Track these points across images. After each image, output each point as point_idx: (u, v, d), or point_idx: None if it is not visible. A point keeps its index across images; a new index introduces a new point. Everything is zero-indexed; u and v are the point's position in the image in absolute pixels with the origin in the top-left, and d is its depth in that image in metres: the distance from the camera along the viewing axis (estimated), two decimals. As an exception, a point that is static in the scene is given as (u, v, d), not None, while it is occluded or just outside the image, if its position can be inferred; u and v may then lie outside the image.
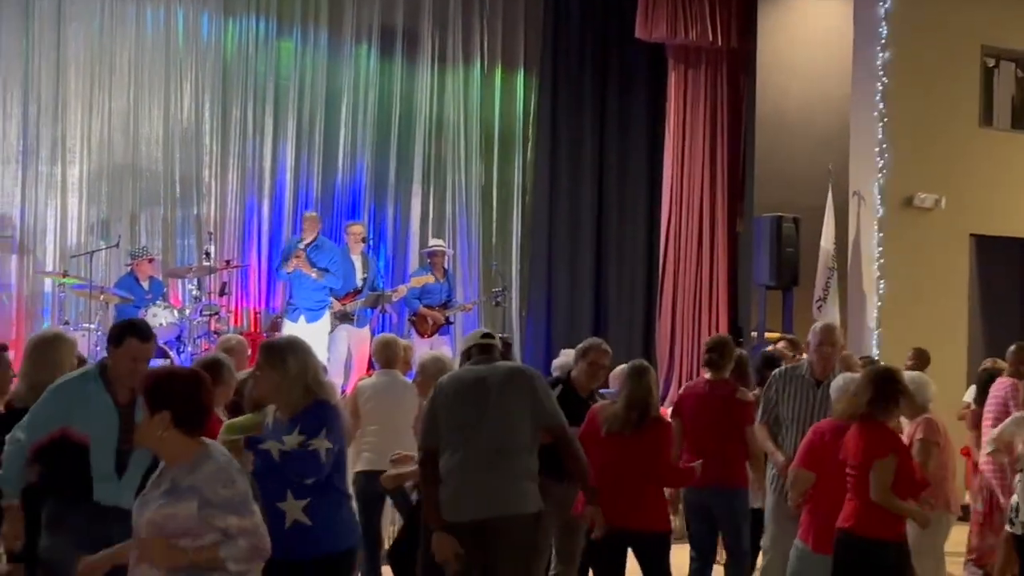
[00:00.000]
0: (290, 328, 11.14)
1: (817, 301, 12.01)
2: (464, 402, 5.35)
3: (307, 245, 11.59)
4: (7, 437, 4.97)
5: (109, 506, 4.81)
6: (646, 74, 14.66)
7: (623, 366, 6.53)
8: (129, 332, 5.01)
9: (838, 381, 6.10)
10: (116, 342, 4.98)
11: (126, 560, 3.85)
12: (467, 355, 5.62)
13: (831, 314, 11.73)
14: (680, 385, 11.92)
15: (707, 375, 7.01)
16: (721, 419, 6.82)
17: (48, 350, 5.50)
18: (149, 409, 3.78)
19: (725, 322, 13.84)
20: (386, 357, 7.58)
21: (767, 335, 11.74)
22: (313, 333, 10.95)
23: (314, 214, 12.15)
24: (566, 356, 7.90)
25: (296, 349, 4.78)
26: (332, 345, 11.56)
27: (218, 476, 3.73)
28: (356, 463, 7.12)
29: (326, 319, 11.51)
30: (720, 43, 13.69)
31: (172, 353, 10.84)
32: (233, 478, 3.77)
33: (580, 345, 6.61)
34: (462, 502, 5.23)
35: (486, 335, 5.68)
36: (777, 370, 6.92)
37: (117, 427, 4.91)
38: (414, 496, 6.38)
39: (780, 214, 12.12)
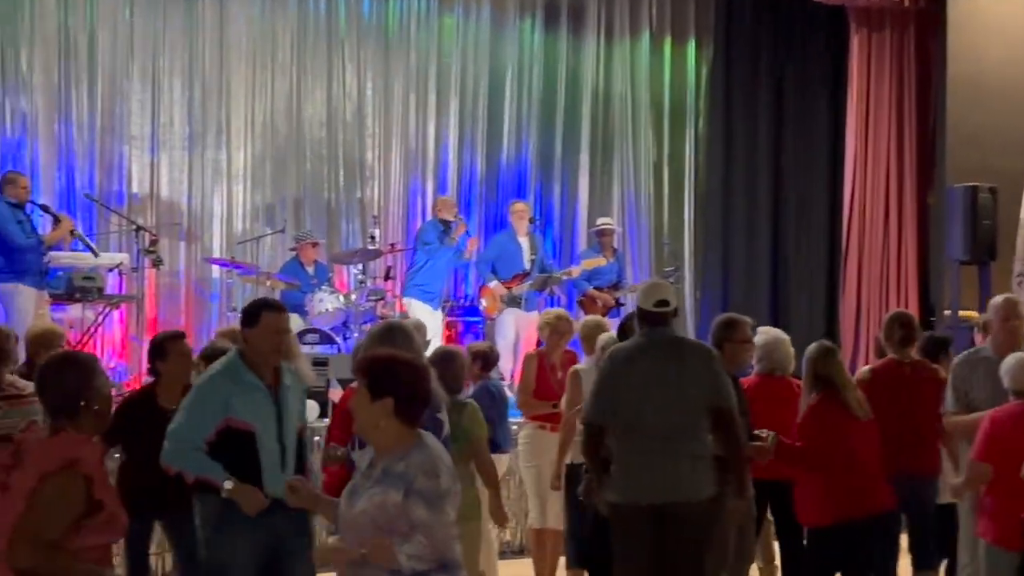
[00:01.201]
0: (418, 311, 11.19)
1: (1017, 276, 11.47)
2: (640, 378, 5.21)
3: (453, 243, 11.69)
4: (166, 445, 5.02)
5: (276, 497, 4.79)
6: (826, 40, 14.23)
7: (811, 346, 6.23)
8: (262, 308, 5.13)
9: (1006, 365, 5.69)
10: (252, 321, 5.07)
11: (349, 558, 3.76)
12: (642, 320, 5.42)
13: (1034, 290, 11.21)
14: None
15: (895, 355, 6.67)
16: (914, 401, 6.50)
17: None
18: (370, 393, 3.74)
19: (915, 300, 13.38)
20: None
21: (961, 314, 11.30)
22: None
23: (450, 198, 12.21)
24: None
25: None
26: (499, 329, 11.59)
27: (424, 465, 3.68)
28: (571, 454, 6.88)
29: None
30: (907, 3, 13.21)
31: (338, 339, 11.03)
32: (438, 471, 3.70)
33: (718, 320, 6.22)
34: (638, 485, 5.12)
35: (661, 301, 5.40)
36: (958, 357, 6.53)
37: (273, 410, 4.98)
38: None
39: (975, 184, 11.63)
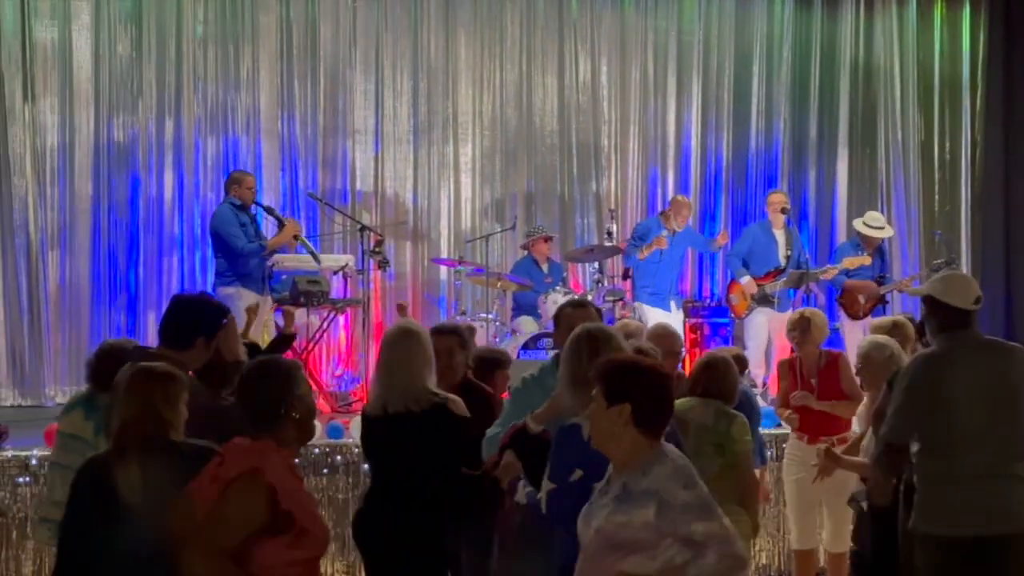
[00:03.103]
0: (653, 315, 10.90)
1: None
2: (963, 391, 4.78)
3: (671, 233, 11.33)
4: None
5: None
6: (1124, -3, 13.37)
7: None
8: (564, 305, 5.54)
9: None
10: (556, 323, 5.44)
11: None
12: (951, 321, 4.94)
13: None
14: None
15: None
16: None
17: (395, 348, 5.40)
18: (605, 399, 3.73)
19: None
20: None
21: None
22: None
23: (685, 198, 11.85)
24: None
25: None
26: (750, 330, 11.21)
27: (676, 476, 3.63)
28: None
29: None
30: None
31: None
32: (694, 479, 3.68)
33: None
34: (964, 514, 4.72)
35: (979, 298, 4.95)
36: None
37: None
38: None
39: None
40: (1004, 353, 4.95)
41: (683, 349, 7.40)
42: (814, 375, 7.34)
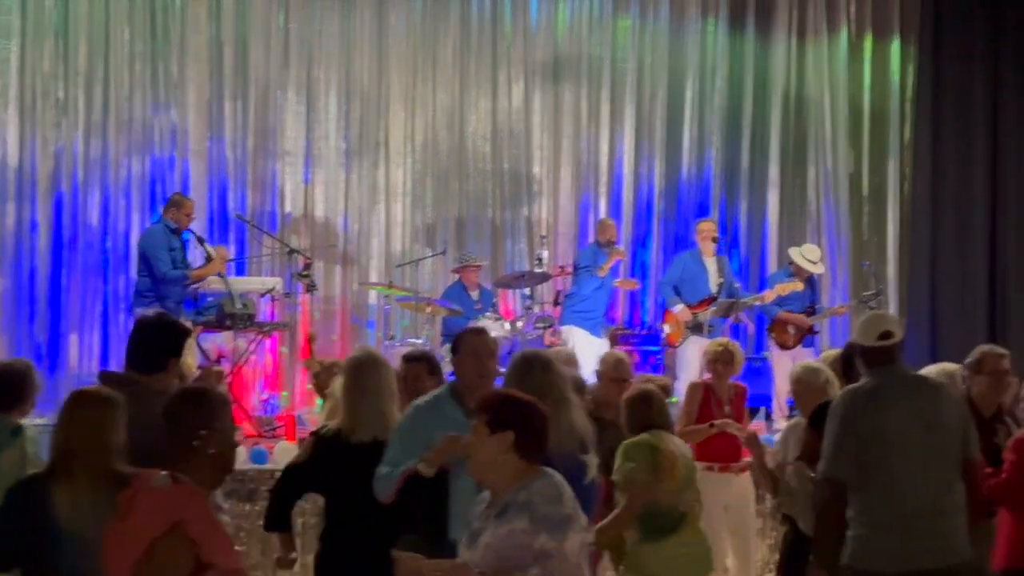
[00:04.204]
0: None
1: None
2: (895, 425, 4.89)
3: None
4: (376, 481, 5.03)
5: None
6: (1050, 34, 13.69)
7: None
8: (464, 332, 5.32)
9: None
10: (455, 349, 5.24)
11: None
12: (866, 359, 5.10)
13: None
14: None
15: None
16: None
17: (368, 372, 5.45)
18: (488, 428, 3.85)
19: None
20: None
21: None
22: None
23: (610, 220, 12.02)
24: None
25: None
26: (682, 360, 11.32)
27: (546, 491, 3.78)
28: None
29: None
30: None
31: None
32: (561, 496, 3.80)
33: (972, 356, 5.99)
34: (904, 549, 4.81)
35: (885, 333, 5.05)
36: None
37: None
38: None
39: None
40: (932, 390, 5.08)
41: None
42: (727, 403, 7.46)
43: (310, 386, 8.48)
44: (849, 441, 4.92)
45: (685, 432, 7.21)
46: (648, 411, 5.95)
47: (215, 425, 3.78)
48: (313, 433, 5.62)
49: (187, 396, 3.94)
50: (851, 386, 5.22)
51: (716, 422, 7.32)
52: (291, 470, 5.57)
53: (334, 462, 5.19)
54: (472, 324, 10.81)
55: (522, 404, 3.94)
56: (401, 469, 4.92)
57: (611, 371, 6.82)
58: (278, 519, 5.61)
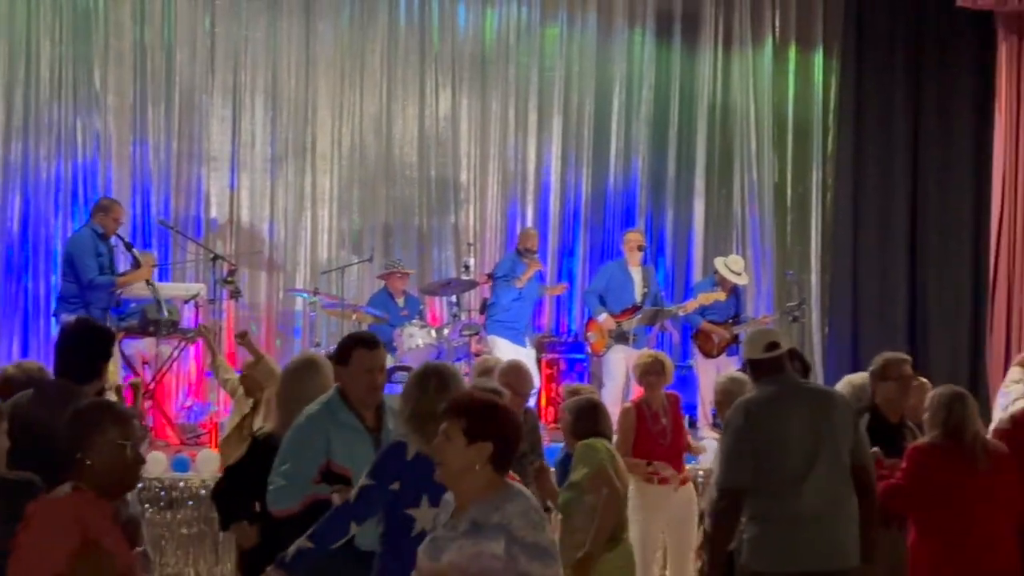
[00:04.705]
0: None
1: None
2: (791, 433, 5.06)
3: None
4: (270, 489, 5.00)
5: (367, 551, 4.76)
6: (970, 49, 13.82)
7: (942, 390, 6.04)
8: (353, 344, 5.16)
9: None
10: (343, 360, 5.10)
11: None
12: (757, 371, 5.28)
13: None
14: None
15: None
16: None
17: (307, 376, 5.47)
18: (465, 436, 3.72)
19: (1074, 338, 12.95)
20: None
21: None
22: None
23: (532, 230, 12.10)
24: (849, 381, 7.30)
25: None
26: (607, 368, 11.41)
27: (527, 516, 3.68)
28: None
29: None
30: (1063, 6, 12.84)
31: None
32: (542, 522, 3.74)
33: (875, 363, 6.11)
34: (794, 551, 4.98)
35: (771, 344, 5.25)
36: None
37: (372, 454, 4.91)
38: None
39: None
40: (823, 397, 5.26)
41: (533, 390, 7.49)
42: (665, 415, 7.50)
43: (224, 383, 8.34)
44: (744, 450, 5.08)
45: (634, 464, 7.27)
46: (595, 420, 6.03)
47: (93, 437, 3.71)
48: (251, 435, 5.64)
49: (76, 408, 3.88)
50: (742, 397, 5.39)
51: (654, 463, 7.32)
52: (230, 469, 5.61)
53: (269, 464, 5.17)
54: (368, 333, 10.86)
55: (502, 413, 3.83)
56: (306, 492, 4.91)
57: (511, 380, 6.69)
58: (228, 518, 5.61)
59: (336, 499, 4.84)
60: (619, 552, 5.83)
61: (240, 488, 5.49)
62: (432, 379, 4.75)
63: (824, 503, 5.01)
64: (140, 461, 3.84)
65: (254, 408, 7.11)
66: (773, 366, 5.22)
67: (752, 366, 5.30)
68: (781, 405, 5.12)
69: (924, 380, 7.05)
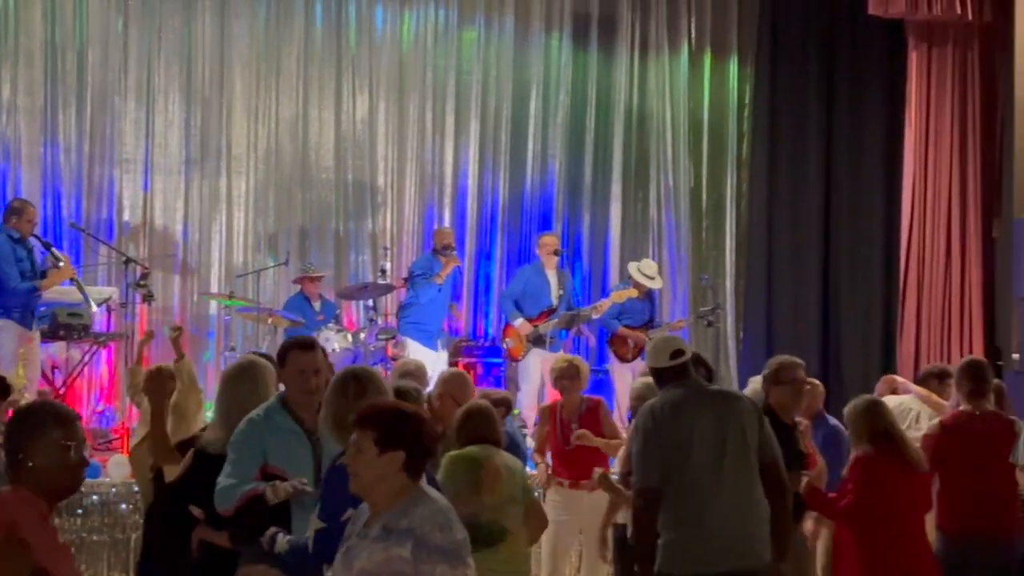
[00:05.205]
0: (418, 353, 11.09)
1: (1095, 317, 11.34)
2: (699, 434, 5.18)
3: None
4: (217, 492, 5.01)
5: None
6: (882, 57, 14.05)
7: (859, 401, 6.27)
8: (290, 347, 5.25)
9: None
10: (281, 362, 5.19)
11: None
12: (662, 379, 5.39)
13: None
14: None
15: (967, 406, 6.73)
16: (992, 456, 6.51)
17: (245, 381, 5.45)
18: (377, 446, 3.74)
19: (980, 343, 13.17)
20: None
21: (1032, 358, 11.15)
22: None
23: (447, 228, 12.20)
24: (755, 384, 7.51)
25: None
26: (524, 372, 11.48)
27: (434, 518, 3.70)
28: None
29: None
30: (971, 17, 13.05)
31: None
32: (451, 523, 3.74)
33: (769, 367, 6.25)
34: (710, 551, 5.08)
35: (676, 352, 5.37)
36: None
37: (311, 457, 4.99)
38: None
39: (1046, 215, 11.53)
40: (727, 400, 5.38)
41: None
42: (575, 420, 7.52)
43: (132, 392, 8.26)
44: (653, 451, 5.19)
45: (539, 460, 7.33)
46: (478, 425, 6.02)
47: (34, 437, 3.69)
48: (191, 445, 5.60)
49: (18, 408, 3.92)
50: (649, 402, 5.48)
51: (578, 432, 7.36)
52: (174, 490, 5.55)
53: (213, 474, 5.14)
54: (305, 336, 10.84)
55: (414, 421, 3.84)
56: (245, 488, 4.93)
57: (453, 389, 6.76)
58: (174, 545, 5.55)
59: (269, 493, 4.84)
60: (488, 557, 5.81)
61: (180, 507, 5.41)
62: (351, 384, 4.76)
63: (732, 504, 5.12)
64: (84, 463, 3.79)
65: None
66: (678, 373, 5.34)
67: (657, 374, 5.42)
68: (686, 409, 5.22)
69: (816, 382, 7.27)
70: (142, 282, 10.22)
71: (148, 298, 10.37)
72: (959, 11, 12.90)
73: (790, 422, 6.01)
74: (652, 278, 11.81)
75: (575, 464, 7.45)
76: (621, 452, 7.24)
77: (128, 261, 10.37)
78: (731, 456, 5.16)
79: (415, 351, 11.06)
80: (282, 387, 5.31)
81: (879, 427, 5.97)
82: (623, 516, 6.73)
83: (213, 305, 12.02)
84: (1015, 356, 11.72)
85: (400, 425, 3.79)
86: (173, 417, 6.44)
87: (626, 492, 6.44)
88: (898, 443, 5.97)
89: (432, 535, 3.66)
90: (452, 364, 11.68)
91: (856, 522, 5.96)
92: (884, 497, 5.84)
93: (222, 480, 5.02)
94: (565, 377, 7.59)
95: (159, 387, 6.28)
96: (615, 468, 7.39)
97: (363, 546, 3.74)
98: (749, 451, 5.21)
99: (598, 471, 6.57)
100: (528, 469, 7.66)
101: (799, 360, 6.24)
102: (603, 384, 11.74)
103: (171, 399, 6.42)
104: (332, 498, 4.44)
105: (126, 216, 12.06)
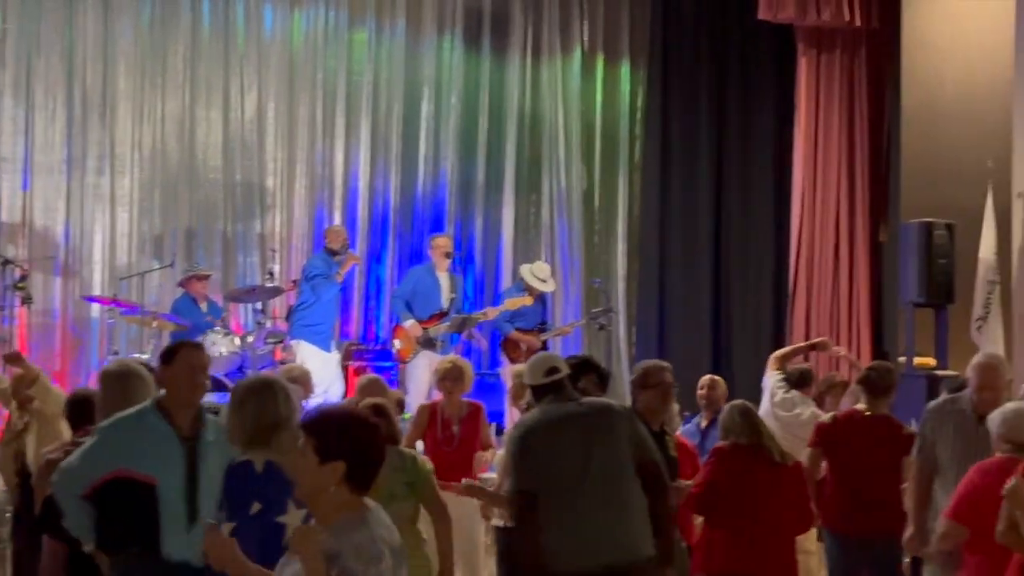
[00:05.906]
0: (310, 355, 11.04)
1: (976, 320, 11.55)
2: (570, 437, 5.30)
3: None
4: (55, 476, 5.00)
5: (178, 562, 4.76)
6: (772, 62, 14.29)
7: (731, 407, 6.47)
8: (180, 345, 5.26)
9: (999, 414, 5.68)
10: (168, 359, 5.09)
11: None
12: (540, 396, 5.49)
13: (993, 335, 11.27)
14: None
15: (861, 406, 6.93)
16: (883, 457, 6.70)
17: (126, 386, 5.34)
18: (318, 455, 3.61)
19: (868, 346, 13.42)
20: None
21: (916, 360, 11.34)
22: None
23: (340, 227, 12.14)
24: None
25: None
26: (412, 374, 11.45)
27: (363, 549, 3.54)
28: None
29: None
30: (859, 23, 13.29)
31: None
32: (380, 555, 3.56)
33: (636, 372, 6.34)
34: (589, 547, 5.17)
35: (551, 369, 5.48)
36: (932, 403, 6.61)
37: (183, 463, 4.90)
38: None
39: (931, 220, 11.67)
40: (597, 410, 5.44)
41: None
42: (457, 422, 7.54)
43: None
44: (527, 459, 5.31)
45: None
46: None
47: None
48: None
49: None
50: (523, 416, 5.72)
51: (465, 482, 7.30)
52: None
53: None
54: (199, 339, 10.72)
55: (358, 430, 3.70)
56: (84, 486, 4.89)
57: (373, 394, 6.67)
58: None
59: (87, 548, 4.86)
60: None
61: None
62: (266, 391, 4.72)
63: (603, 502, 5.23)
64: None
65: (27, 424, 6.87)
66: (553, 389, 5.44)
67: (533, 391, 5.52)
68: (557, 423, 5.34)
69: (719, 379, 7.46)
70: (21, 284, 10.05)
71: (27, 300, 10.20)
72: (847, 17, 13.13)
73: (656, 427, 6.03)
74: (544, 281, 11.84)
75: (453, 467, 7.38)
76: (500, 458, 7.24)
77: (6, 263, 10.15)
78: (598, 461, 5.26)
79: (309, 354, 10.98)
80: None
81: (746, 424, 6.24)
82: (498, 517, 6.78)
83: (95, 308, 11.80)
84: (901, 360, 11.93)
85: (343, 434, 3.64)
86: (38, 423, 6.35)
87: (499, 495, 6.48)
88: (763, 438, 6.20)
89: (355, 568, 3.51)
90: (343, 367, 11.63)
91: (703, 508, 6.19)
92: (736, 486, 6.07)
93: (71, 460, 4.97)
94: (448, 379, 7.60)
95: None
96: (494, 474, 7.40)
97: (293, 562, 3.62)
98: (621, 456, 5.32)
99: (465, 482, 6.57)
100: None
101: (666, 364, 6.31)
102: (495, 388, 11.73)
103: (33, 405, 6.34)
104: (233, 497, 4.47)
105: (3, 216, 11.81)
